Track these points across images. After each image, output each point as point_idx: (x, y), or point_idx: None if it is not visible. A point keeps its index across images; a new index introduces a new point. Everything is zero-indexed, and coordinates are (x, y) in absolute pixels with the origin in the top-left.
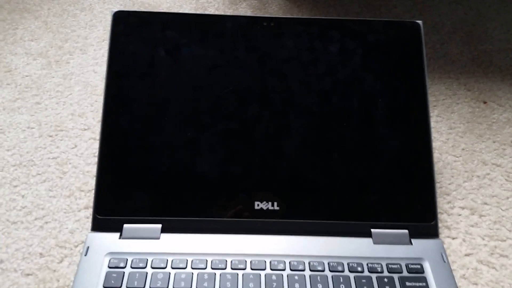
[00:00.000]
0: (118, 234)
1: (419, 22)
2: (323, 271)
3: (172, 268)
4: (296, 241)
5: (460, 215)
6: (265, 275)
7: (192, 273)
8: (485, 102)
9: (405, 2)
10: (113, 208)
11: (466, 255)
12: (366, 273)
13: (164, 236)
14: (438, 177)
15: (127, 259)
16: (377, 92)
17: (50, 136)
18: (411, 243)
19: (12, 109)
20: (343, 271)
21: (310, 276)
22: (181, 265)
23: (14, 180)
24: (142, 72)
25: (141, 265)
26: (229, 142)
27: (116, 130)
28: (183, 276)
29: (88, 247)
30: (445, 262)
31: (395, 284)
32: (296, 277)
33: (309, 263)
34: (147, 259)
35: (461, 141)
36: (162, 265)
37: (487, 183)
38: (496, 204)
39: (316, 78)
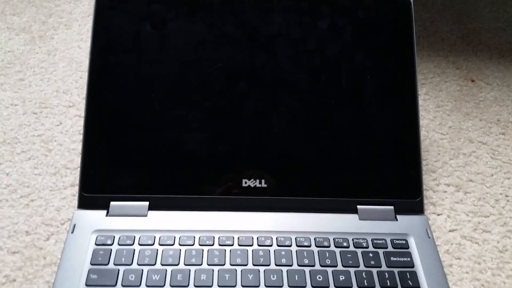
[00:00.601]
0: (105, 212)
1: None
2: (309, 246)
3: (160, 245)
4: (283, 217)
5: (445, 192)
6: (252, 250)
7: (180, 250)
8: (473, 81)
9: None
10: (99, 185)
11: (451, 231)
12: (352, 248)
13: (152, 213)
14: (424, 155)
15: (114, 236)
16: (366, 69)
17: (35, 113)
18: (397, 219)
19: None
20: (329, 247)
21: (296, 251)
22: (168, 242)
23: None
24: (128, 47)
25: (128, 242)
26: (217, 120)
27: (101, 107)
28: (170, 252)
29: (75, 224)
30: (429, 237)
31: (380, 259)
32: (283, 253)
33: (295, 238)
34: (135, 236)
35: (448, 119)
36: (150, 242)
37: (472, 161)
38: (481, 181)
39: (305, 55)
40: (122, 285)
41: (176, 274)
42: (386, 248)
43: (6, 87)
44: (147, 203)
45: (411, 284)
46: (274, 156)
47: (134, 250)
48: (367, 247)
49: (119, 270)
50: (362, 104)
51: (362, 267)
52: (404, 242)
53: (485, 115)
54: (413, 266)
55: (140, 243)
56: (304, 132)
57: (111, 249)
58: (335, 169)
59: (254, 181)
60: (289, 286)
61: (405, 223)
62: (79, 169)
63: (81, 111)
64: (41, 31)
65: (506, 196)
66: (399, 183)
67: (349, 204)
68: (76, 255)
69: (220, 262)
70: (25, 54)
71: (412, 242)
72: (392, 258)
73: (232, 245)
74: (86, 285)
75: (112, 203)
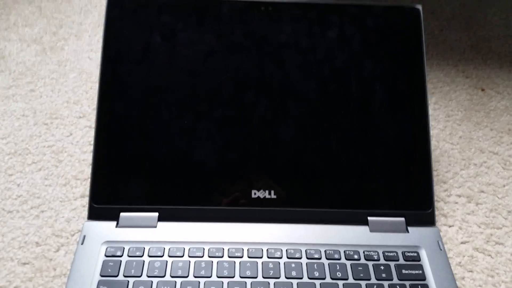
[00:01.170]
0: (114, 223)
1: (419, 7)
2: (319, 259)
3: (169, 256)
4: (293, 229)
5: (456, 203)
6: (262, 263)
7: (189, 261)
8: (483, 90)
9: None
10: (109, 196)
11: (462, 242)
12: (363, 260)
13: (161, 224)
14: (435, 165)
15: (124, 248)
16: (375, 78)
17: (45, 124)
18: (408, 231)
19: (6, 96)
20: (339, 259)
21: (307, 264)
22: (178, 254)
23: (9, 168)
24: (138, 58)
25: (138, 253)
26: (226, 129)
27: (111, 118)
28: (180, 264)
29: (85, 235)
30: (441, 250)
31: (391, 272)
32: (293, 265)
33: (306, 251)
34: (144, 248)
35: (458, 128)
36: (159, 254)
37: (484, 171)
38: (492, 192)
39: (314, 64)
40: None
41: (185, 286)
42: (398, 260)
43: (18, 98)
44: (156, 214)
45: None
46: (283, 167)
47: (144, 261)
48: (378, 260)
49: (128, 281)
50: (372, 113)
51: (373, 280)
52: (415, 254)
53: (496, 124)
54: (425, 279)
55: (149, 254)
56: (313, 142)
57: (121, 261)
58: (345, 180)
59: (264, 192)
60: None
61: (416, 235)
62: (89, 180)
63: (91, 122)
64: (52, 42)
65: None
66: (410, 194)
67: (359, 215)
68: (86, 267)
69: (229, 274)
70: (36, 65)
71: (423, 254)
72: (403, 271)
73: (242, 257)
74: None
75: (122, 214)
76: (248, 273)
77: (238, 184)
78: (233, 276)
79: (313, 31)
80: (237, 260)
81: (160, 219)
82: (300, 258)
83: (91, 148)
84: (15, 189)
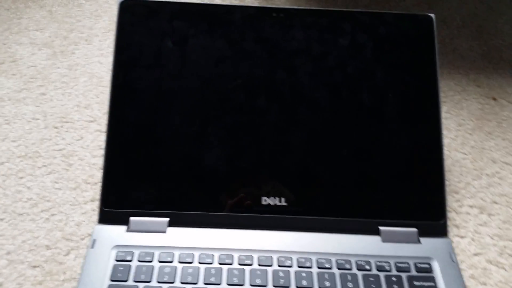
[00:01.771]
0: (125, 227)
1: (432, 15)
2: (330, 268)
3: (179, 262)
4: (304, 237)
5: (469, 213)
6: (272, 271)
7: (199, 268)
8: (494, 99)
9: None
10: (120, 201)
11: (475, 254)
12: (374, 271)
13: (171, 229)
14: (446, 175)
15: (133, 252)
16: (388, 87)
17: (56, 128)
18: (420, 242)
19: (17, 99)
20: (351, 269)
21: (317, 273)
22: (188, 260)
23: (20, 171)
24: (149, 63)
25: (147, 258)
26: (237, 136)
27: (123, 122)
28: (190, 270)
29: (95, 239)
30: (453, 261)
31: (403, 283)
32: (304, 274)
33: (316, 260)
34: (154, 253)
35: (470, 138)
36: (169, 259)
37: (496, 182)
38: (505, 203)
39: (326, 71)
40: None
41: None
42: (409, 272)
43: (28, 101)
44: (167, 219)
45: None
46: (294, 174)
47: (153, 267)
48: (390, 271)
49: (138, 287)
50: (385, 122)
51: None
52: (427, 266)
53: (508, 134)
54: None
55: (159, 260)
56: (324, 150)
57: (131, 265)
58: (357, 188)
59: (274, 199)
60: None
61: (428, 246)
62: (99, 184)
63: (102, 126)
64: (63, 46)
65: None
66: (422, 204)
67: (371, 225)
68: (96, 271)
69: (239, 282)
70: (47, 68)
71: (435, 266)
72: (415, 283)
73: (252, 264)
74: None
75: (131, 218)
76: (258, 282)
77: (249, 190)
78: (243, 284)
79: (325, 38)
80: (247, 268)
81: (170, 224)
82: (311, 267)
83: (101, 152)
84: (25, 192)
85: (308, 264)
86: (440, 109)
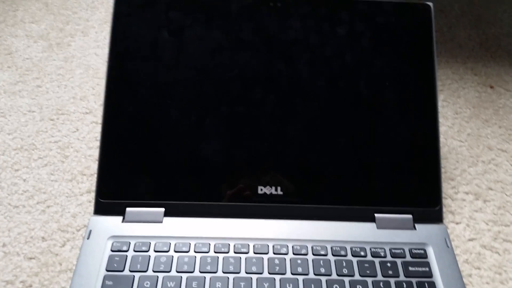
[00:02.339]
0: (120, 218)
1: (430, 4)
2: (326, 255)
3: (175, 251)
4: (299, 225)
5: (464, 200)
6: (267, 259)
7: (195, 257)
8: (492, 87)
9: None
10: (115, 191)
11: (470, 240)
12: (369, 257)
13: (167, 219)
14: (443, 162)
15: (129, 243)
16: (385, 75)
17: (52, 120)
18: (415, 228)
19: (13, 92)
20: (346, 256)
21: (313, 260)
22: (184, 249)
23: (16, 164)
24: (145, 54)
25: (144, 248)
26: (233, 126)
27: (118, 113)
28: (186, 259)
29: (91, 230)
30: (448, 247)
31: (398, 269)
32: (299, 261)
33: (312, 247)
34: (150, 243)
35: (466, 126)
36: (165, 249)
37: (492, 168)
38: (500, 189)
39: (323, 61)
40: None
41: (191, 281)
42: (404, 257)
43: (24, 94)
44: (162, 209)
45: None
46: (290, 163)
47: (150, 256)
48: (385, 257)
49: (134, 276)
50: (381, 110)
51: (379, 276)
52: (422, 251)
53: (505, 122)
54: (431, 276)
55: (155, 249)
56: (321, 139)
57: (127, 256)
58: (353, 176)
59: (270, 188)
60: None
61: (423, 232)
62: (95, 175)
63: (98, 118)
64: (59, 38)
65: None
66: (417, 191)
67: (367, 212)
68: (91, 261)
69: (235, 270)
70: (43, 61)
71: (430, 251)
72: (410, 268)
73: (248, 252)
74: None
75: (128, 209)
76: (253, 269)
77: (245, 180)
78: (238, 271)
79: (322, 28)
80: (243, 256)
81: (166, 214)
82: (306, 254)
83: (97, 143)
84: (21, 184)
85: (303, 252)
86: (437, 97)
